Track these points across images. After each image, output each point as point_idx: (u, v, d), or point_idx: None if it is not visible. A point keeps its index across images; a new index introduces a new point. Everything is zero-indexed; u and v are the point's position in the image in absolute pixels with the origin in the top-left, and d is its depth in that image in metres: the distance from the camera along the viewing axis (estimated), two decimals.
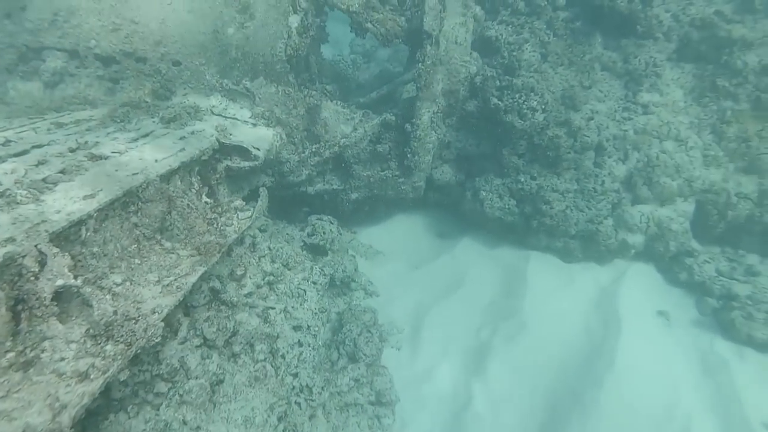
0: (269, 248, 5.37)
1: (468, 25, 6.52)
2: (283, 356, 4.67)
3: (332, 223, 6.50)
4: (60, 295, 2.96)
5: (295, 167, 6.12)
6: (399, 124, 6.40)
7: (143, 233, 3.84)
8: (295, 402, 4.54)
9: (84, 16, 5.58)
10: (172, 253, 3.90)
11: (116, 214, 3.63)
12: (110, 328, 3.01)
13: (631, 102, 6.95)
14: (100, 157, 3.93)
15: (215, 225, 4.47)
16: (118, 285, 3.36)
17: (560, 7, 7.29)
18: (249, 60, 5.78)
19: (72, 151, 3.96)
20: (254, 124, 5.71)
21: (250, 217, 4.97)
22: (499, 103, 6.45)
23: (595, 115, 6.70)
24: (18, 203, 3.12)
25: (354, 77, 9.41)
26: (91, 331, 2.97)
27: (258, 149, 5.30)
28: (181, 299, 3.55)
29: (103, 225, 3.49)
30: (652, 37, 7.05)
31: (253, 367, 4.40)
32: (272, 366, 4.52)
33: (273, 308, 4.88)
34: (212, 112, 5.64)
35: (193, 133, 4.98)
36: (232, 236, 4.55)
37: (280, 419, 4.27)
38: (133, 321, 3.11)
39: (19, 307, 2.79)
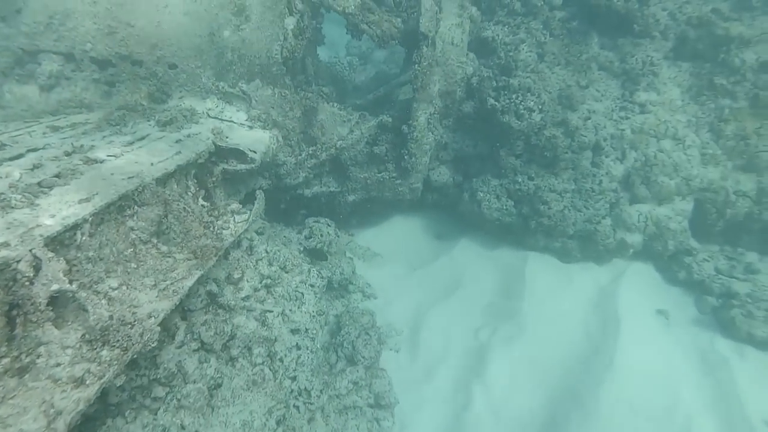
0: (266, 251, 5.35)
1: (464, 25, 6.51)
2: (281, 359, 4.65)
3: (329, 226, 6.48)
4: (55, 300, 2.94)
5: (291, 170, 6.11)
6: (396, 125, 6.39)
7: (139, 237, 3.82)
8: (294, 405, 4.52)
9: (80, 19, 5.56)
10: (169, 256, 3.88)
11: (112, 218, 3.62)
12: (106, 333, 2.98)
13: (628, 101, 6.95)
14: (96, 161, 3.92)
15: (212, 228, 4.45)
16: (114, 289, 3.34)
17: (557, 7, 7.30)
18: (245, 62, 5.76)
19: (68, 154, 3.94)
20: (250, 127, 5.69)
21: (247, 220, 4.96)
22: (496, 103, 6.45)
23: (592, 114, 6.70)
24: (13, 207, 3.10)
25: (350, 79, 9.41)
26: (86, 336, 2.95)
27: (254, 152, 5.28)
28: (178, 303, 3.53)
29: (99, 229, 3.47)
30: (648, 35, 7.06)
31: (251, 370, 4.38)
32: (270, 369, 4.50)
33: (271, 311, 4.87)
34: (208, 115, 5.63)
35: (189, 136, 4.97)
36: (229, 239, 4.53)
37: (278, 423, 4.26)
38: (129, 326, 3.09)
39: (14, 313, 2.77)
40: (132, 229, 3.78)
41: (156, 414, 3.70)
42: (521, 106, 6.33)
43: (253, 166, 5.25)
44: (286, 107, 5.92)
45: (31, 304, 2.79)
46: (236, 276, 4.79)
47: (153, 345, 3.14)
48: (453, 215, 7.30)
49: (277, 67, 5.79)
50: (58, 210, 3.21)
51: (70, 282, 3.03)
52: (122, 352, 2.93)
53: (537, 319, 5.93)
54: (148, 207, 3.90)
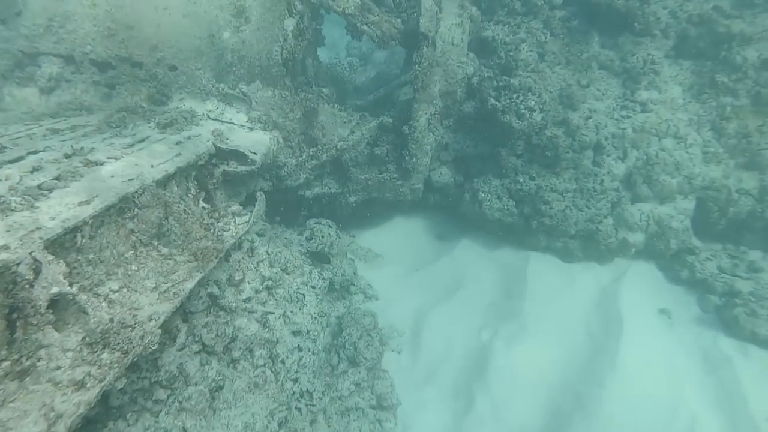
0: (267, 253, 5.34)
1: (464, 25, 6.49)
2: (282, 361, 4.64)
3: (331, 227, 6.47)
4: (55, 303, 2.93)
5: (292, 171, 6.10)
6: (396, 126, 6.38)
7: (140, 239, 3.81)
8: (296, 407, 4.51)
9: (79, 22, 5.56)
10: (169, 259, 3.87)
11: (112, 220, 3.61)
12: (106, 335, 2.98)
13: (629, 100, 6.92)
14: (96, 163, 3.91)
15: (212, 230, 4.45)
16: (114, 292, 3.33)
17: (557, 6, 7.28)
18: (245, 64, 5.76)
19: (67, 157, 3.94)
20: (251, 128, 5.68)
21: (248, 221, 4.95)
22: (497, 103, 6.43)
23: (593, 113, 6.68)
24: (12, 210, 3.09)
25: (351, 80, 9.40)
26: (87, 339, 2.94)
27: (255, 153, 5.27)
28: (179, 305, 3.52)
29: (99, 231, 3.46)
30: (649, 34, 7.03)
31: (253, 372, 4.37)
32: (272, 371, 4.49)
33: (272, 313, 4.86)
34: (209, 117, 5.62)
35: (189, 138, 4.96)
36: (230, 241, 4.53)
37: (280, 425, 4.25)
38: (130, 328, 3.09)
39: (15, 316, 2.76)
40: (132, 231, 3.78)
41: (158, 416, 3.69)
42: (522, 106, 6.31)
43: (254, 167, 5.24)
44: (286, 108, 5.91)
45: (32, 307, 2.78)
46: (237, 278, 4.78)
47: (154, 348, 3.14)
48: (454, 216, 7.28)
49: (277, 69, 5.78)
50: (58, 212, 3.20)
51: (71, 285, 3.03)
52: (123, 355, 2.92)
53: (539, 319, 5.91)
54: (148, 209, 3.89)
